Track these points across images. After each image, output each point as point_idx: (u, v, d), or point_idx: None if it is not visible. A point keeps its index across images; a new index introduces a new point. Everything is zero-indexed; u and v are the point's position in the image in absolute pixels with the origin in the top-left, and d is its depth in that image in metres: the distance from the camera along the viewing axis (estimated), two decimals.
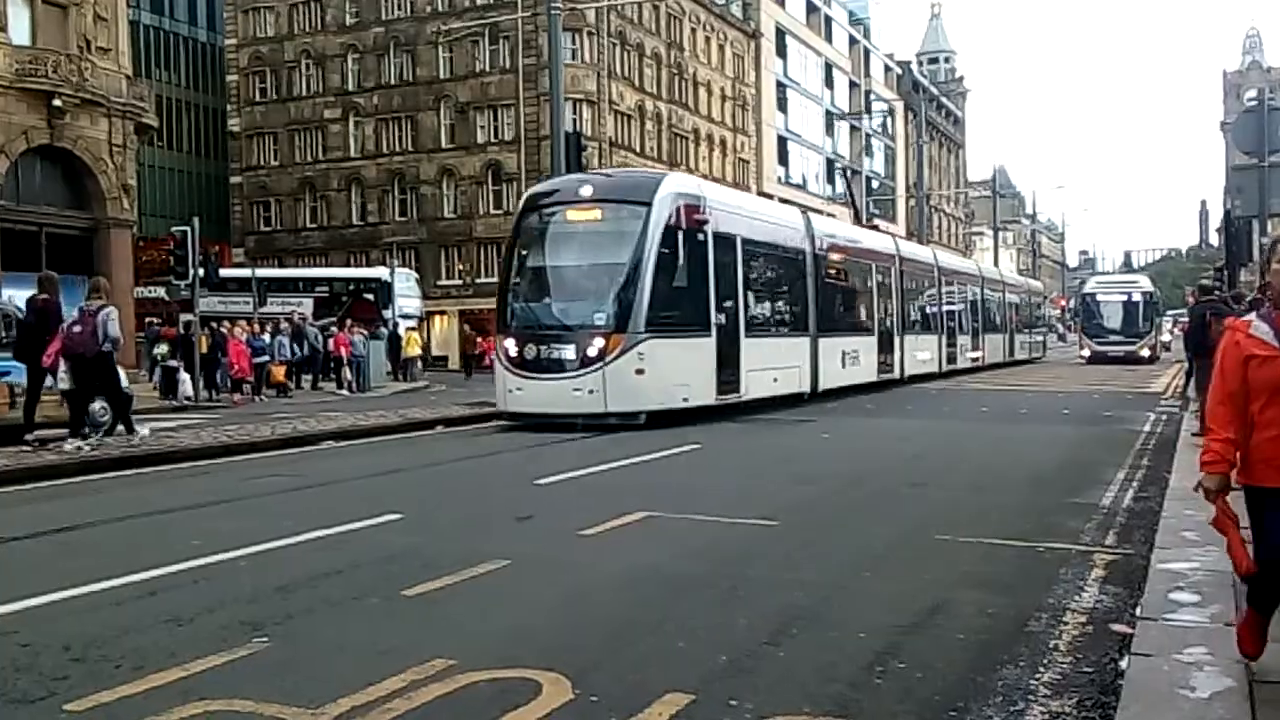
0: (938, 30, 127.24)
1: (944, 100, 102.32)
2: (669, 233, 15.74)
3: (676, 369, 15.82)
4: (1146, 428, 15.59)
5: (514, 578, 6.32)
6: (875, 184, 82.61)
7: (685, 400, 15.93)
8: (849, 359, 22.74)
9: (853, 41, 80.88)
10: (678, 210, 16.08)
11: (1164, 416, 17.16)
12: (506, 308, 16.61)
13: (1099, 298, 42.62)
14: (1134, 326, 40.52)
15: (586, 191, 16.57)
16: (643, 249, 15.51)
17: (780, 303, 20.45)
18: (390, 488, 10.13)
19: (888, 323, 25.95)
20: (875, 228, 30.33)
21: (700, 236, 16.42)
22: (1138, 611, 5.09)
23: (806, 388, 20.44)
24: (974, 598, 5.82)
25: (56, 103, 28.25)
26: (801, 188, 68.85)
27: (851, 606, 5.70)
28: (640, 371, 15.16)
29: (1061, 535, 7.55)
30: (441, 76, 51.95)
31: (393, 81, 53.20)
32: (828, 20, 76.16)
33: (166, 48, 59.13)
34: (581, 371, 15.17)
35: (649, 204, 15.82)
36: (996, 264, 60.95)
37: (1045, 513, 8.53)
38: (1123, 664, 4.43)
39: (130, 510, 8.96)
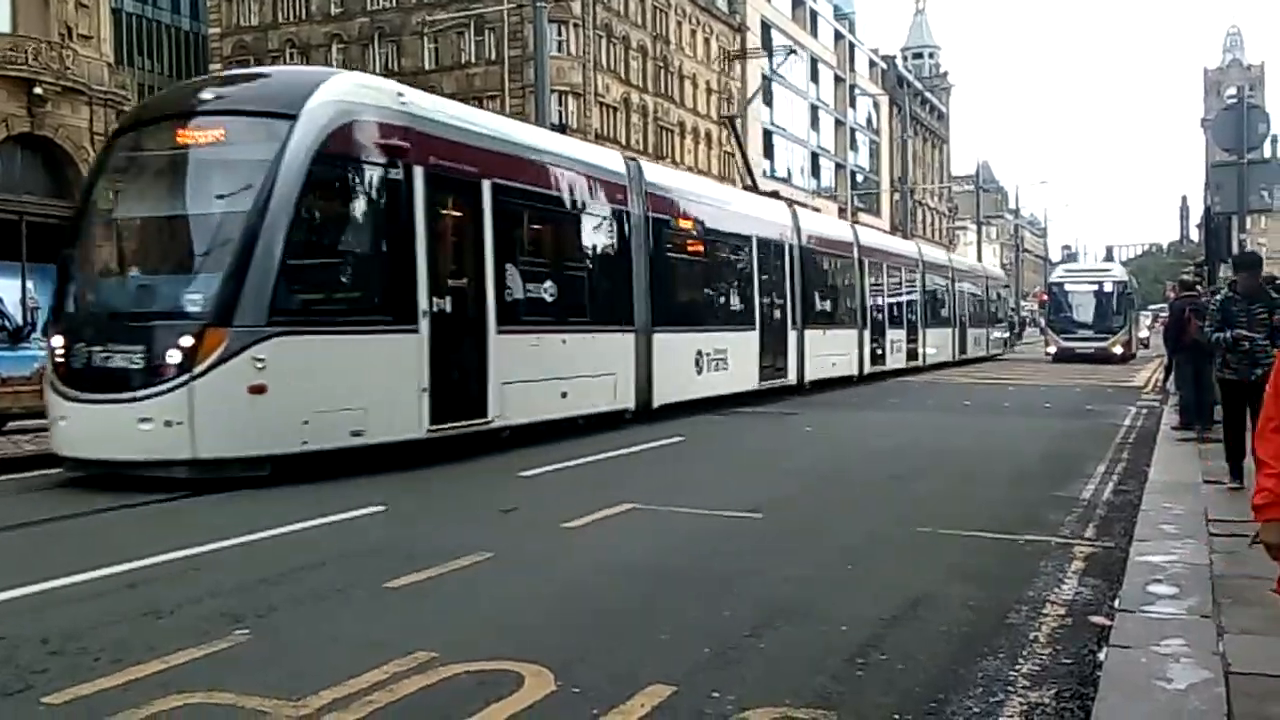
0: (922, 26, 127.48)
1: (928, 95, 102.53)
2: (327, 164, 10.11)
3: (337, 385, 9.95)
4: (1127, 421, 15.68)
5: (497, 570, 6.31)
6: (860, 178, 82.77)
7: (358, 435, 10.01)
8: (710, 361, 17.05)
9: (838, 36, 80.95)
10: (348, 129, 10.27)
11: (1144, 410, 17.27)
12: (64, 289, 10.57)
13: (1067, 288, 38.17)
14: (1106, 320, 36.40)
15: (206, 98, 11.10)
16: (272, 189, 9.56)
17: (575, 283, 13.99)
18: None
19: (777, 314, 20.10)
20: (776, 195, 23.48)
21: (395, 173, 10.59)
22: (1116, 604, 5.13)
23: (630, 403, 14.77)
24: (955, 590, 5.85)
25: (37, 90, 27.96)
26: (786, 181, 68.87)
27: (834, 599, 5.71)
28: (259, 389, 9.29)
29: (1042, 528, 7.60)
30: (427, 68, 51.69)
31: (377, 72, 52.84)
32: (813, 15, 76.19)
33: (149, 36, 58.60)
34: (152, 390, 9.17)
35: (294, 117, 9.92)
36: (980, 258, 60.89)
37: (1026, 505, 8.58)
38: (1101, 655, 4.47)
39: None
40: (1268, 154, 15.29)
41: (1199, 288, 16.31)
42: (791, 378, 20.41)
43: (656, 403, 15.27)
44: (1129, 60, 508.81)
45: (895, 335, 27.29)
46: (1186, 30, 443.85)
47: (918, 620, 5.30)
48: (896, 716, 3.95)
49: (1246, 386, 8.26)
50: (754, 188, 23.98)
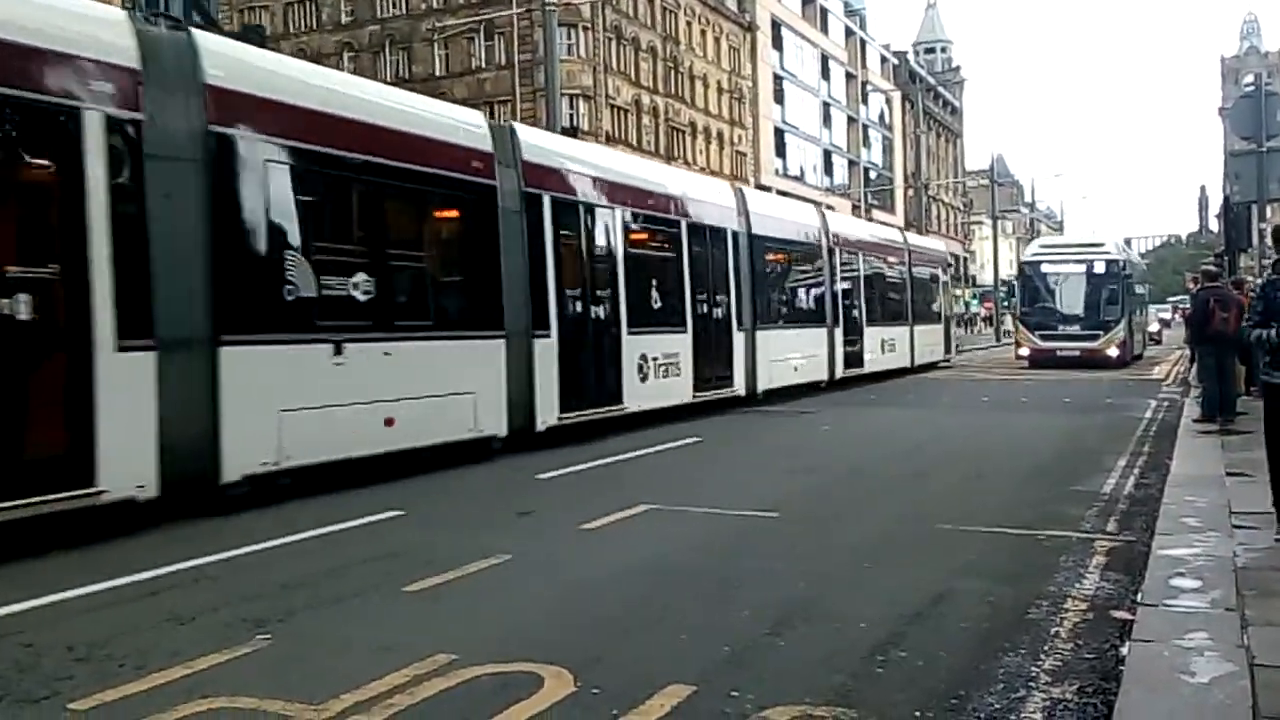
0: (934, 20, 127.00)
1: (941, 90, 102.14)
2: None
3: None
4: (1148, 414, 15.58)
5: (515, 572, 6.32)
6: (873, 174, 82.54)
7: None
8: (380, 411, 10.01)
9: (849, 33, 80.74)
10: None
11: (1165, 403, 17.15)
12: None
13: (1044, 269, 28.71)
14: (1095, 312, 27.45)
15: None
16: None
17: (413, 279, 11.05)
18: None
19: (719, 313, 16.56)
20: (577, 132, 20.73)
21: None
22: (1138, 598, 5.10)
23: (499, 428, 11.48)
24: (975, 586, 5.83)
25: None
26: (799, 179, 68.80)
27: (852, 597, 5.70)
28: None
29: (1063, 523, 7.56)
30: (437, 74, 51.83)
31: (389, 79, 53.03)
32: (823, 11, 76.03)
33: None
34: None
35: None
36: (995, 255, 60.43)
37: (1046, 501, 8.53)
38: (1123, 650, 4.44)
39: None
40: None
41: (1221, 278, 16.18)
42: (739, 387, 17.04)
43: (542, 424, 12.25)
44: (1144, 49, 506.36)
45: (877, 333, 23.75)
46: (1203, 18, 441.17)
47: (938, 617, 5.28)
48: (917, 714, 3.94)
49: None
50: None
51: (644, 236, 15.05)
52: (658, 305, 14.91)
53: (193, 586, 6.11)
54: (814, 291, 20.95)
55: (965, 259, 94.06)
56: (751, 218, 18.04)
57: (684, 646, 4.80)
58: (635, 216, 14.69)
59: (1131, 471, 10.05)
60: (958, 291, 70.19)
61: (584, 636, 5.02)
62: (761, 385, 17.81)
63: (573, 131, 20.47)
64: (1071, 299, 27.99)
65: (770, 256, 18.98)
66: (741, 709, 3.98)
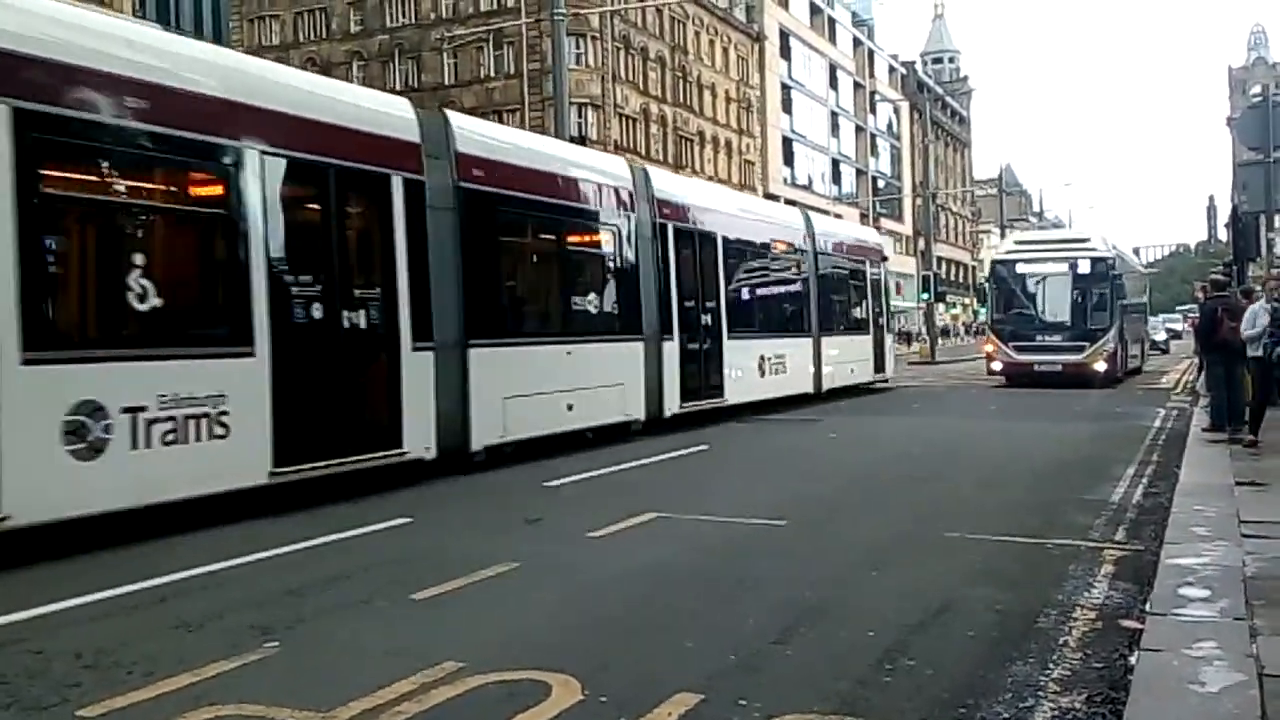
0: (941, 30, 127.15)
1: (949, 100, 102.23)
2: None
3: None
4: (1157, 423, 15.54)
5: (523, 580, 6.33)
6: (881, 184, 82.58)
7: None
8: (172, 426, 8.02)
9: (857, 43, 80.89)
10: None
11: (1174, 412, 17.11)
12: None
13: (1019, 270, 24.61)
14: (1080, 320, 23.69)
15: None
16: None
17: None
18: None
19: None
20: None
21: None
22: (1147, 607, 5.08)
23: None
24: (983, 595, 5.82)
25: None
26: (808, 188, 68.83)
27: (860, 604, 5.69)
28: None
29: (1071, 531, 7.54)
30: (446, 83, 52.06)
31: (398, 88, 53.30)
32: (831, 22, 76.20)
33: None
34: None
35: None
36: None
37: (1055, 509, 8.51)
38: (1132, 659, 4.43)
39: None
40: None
41: (1230, 287, 16.14)
42: (410, 446, 10.03)
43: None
44: (1152, 60, 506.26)
45: (750, 348, 17.53)
46: (1210, 28, 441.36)
47: (945, 625, 5.27)
48: None
49: None
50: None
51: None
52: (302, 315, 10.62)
53: (201, 593, 6.13)
54: (614, 292, 14.14)
55: (974, 268, 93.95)
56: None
57: (691, 654, 4.80)
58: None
59: (1140, 480, 10.02)
60: (959, 301, 69.78)
61: (591, 644, 5.02)
62: (509, 435, 11.58)
63: (581, 141, 21.99)
64: (1051, 304, 24.21)
65: (519, 241, 12.93)
66: (749, 717, 3.98)
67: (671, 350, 14.93)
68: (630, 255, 14.32)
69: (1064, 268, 24.19)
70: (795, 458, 13.00)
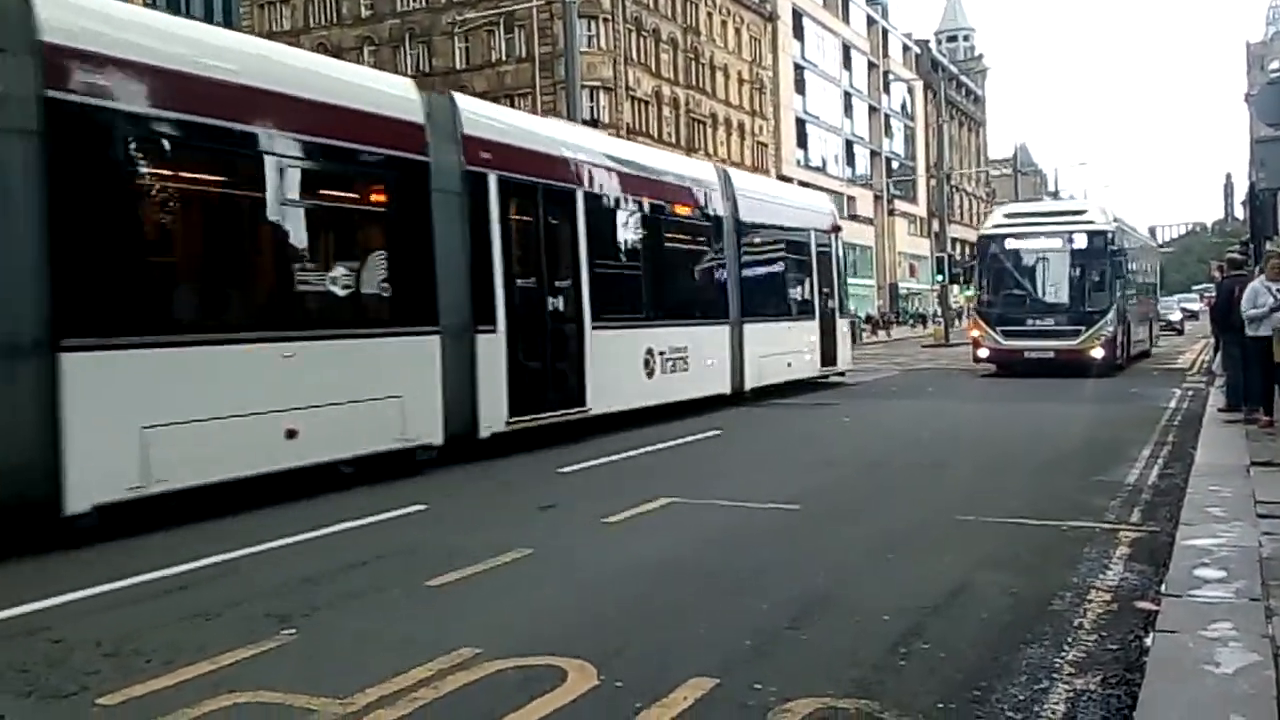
0: (956, 8, 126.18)
1: (963, 79, 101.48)
2: None
3: None
4: (1172, 404, 15.47)
5: (537, 566, 6.35)
6: (895, 164, 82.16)
7: None
8: None
9: (870, 21, 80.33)
10: None
11: (1190, 392, 17.02)
12: None
13: (1009, 245, 22.17)
14: (1076, 301, 21.37)
15: None
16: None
17: None
18: None
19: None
20: None
21: None
22: (1163, 588, 5.07)
23: None
24: (997, 578, 5.81)
25: None
26: (821, 170, 68.53)
27: (874, 589, 5.70)
28: None
29: (1086, 513, 7.52)
30: (458, 67, 51.95)
31: (409, 73, 53.25)
32: (844, 0, 75.67)
33: None
34: None
35: None
36: None
37: (1069, 491, 8.49)
38: (1148, 641, 4.42)
39: None
40: None
41: (1247, 266, 16.02)
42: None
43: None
44: (1168, 35, 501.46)
45: (633, 341, 13.93)
46: (1228, 3, 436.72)
47: (960, 608, 5.27)
48: (940, 705, 3.94)
49: None
50: None
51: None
52: None
53: (218, 582, 6.17)
54: (388, 261, 10.17)
55: None
56: None
57: (706, 639, 4.81)
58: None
59: (1156, 461, 9.99)
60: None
61: (606, 629, 5.04)
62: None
63: (593, 124, 20.78)
64: (1043, 284, 21.96)
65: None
66: (764, 701, 3.99)
67: (492, 346, 11.03)
68: (415, 216, 10.29)
69: (1058, 243, 21.84)
70: (809, 443, 12.99)
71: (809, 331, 19.42)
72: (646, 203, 14.54)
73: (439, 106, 11.08)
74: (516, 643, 4.73)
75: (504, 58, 50.99)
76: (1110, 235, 21.70)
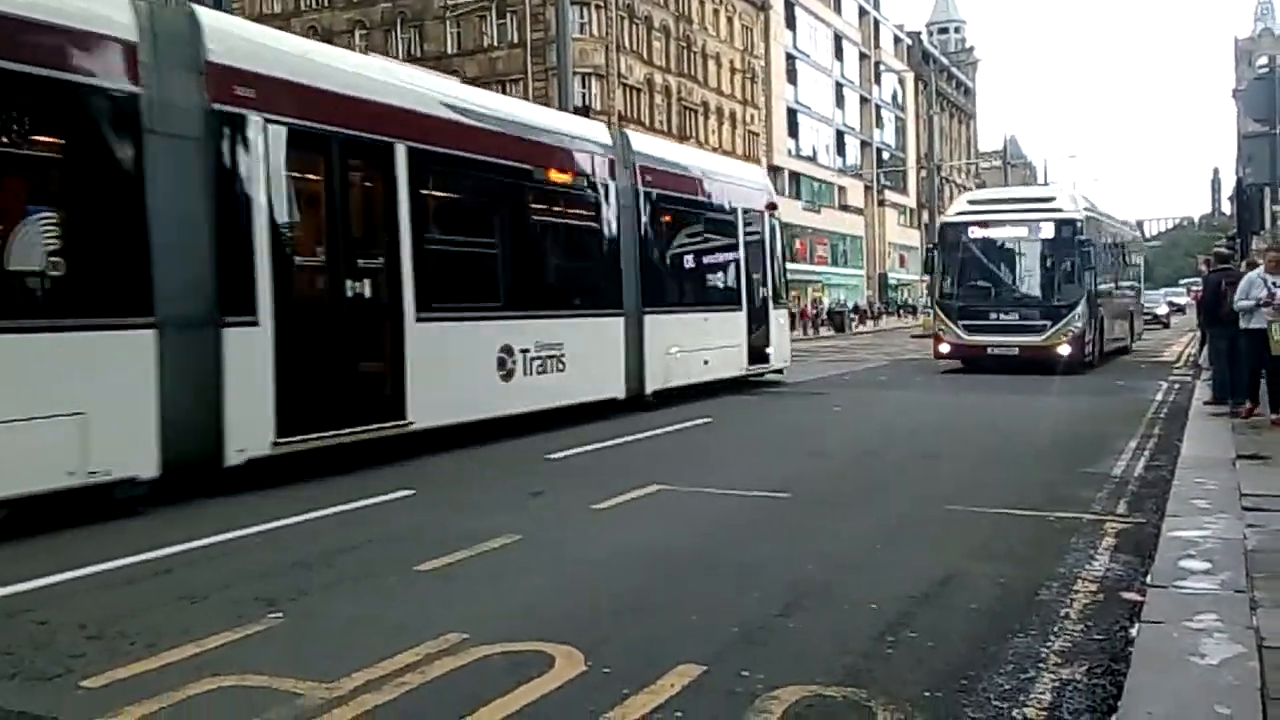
0: (947, 0, 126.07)
1: (954, 71, 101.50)
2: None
3: None
4: (1159, 397, 15.54)
5: (526, 552, 6.34)
6: (886, 155, 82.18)
7: None
8: None
9: (862, 12, 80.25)
10: None
11: (1176, 385, 17.09)
12: None
13: (972, 234, 20.81)
14: (1046, 294, 20.27)
15: None
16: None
17: None
18: None
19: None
20: None
21: None
22: (1148, 579, 5.09)
23: None
24: (985, 568, 5.83)
25: None
26: (812, 160, 68.52)
27: (863, 578, 5.70)
28: None
29: (1073, 504, 7.55)
30: (449, 52, 51.70)
31: (400, 57, 52.92)
32: None
33: None
34: None
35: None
36: None
37: (1057, 482, 8.52)
38: (1133, 631, 4.44)
39: None
40: None
41: (1233, 260, 16.08)
42: None
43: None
44: (1158, 30, 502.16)
45: (485, 335, 11.57)
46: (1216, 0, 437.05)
47: (948, 598, 5.28)
48: (927, 694, 3.95)
49: None
50: None
51: None
52: None
53: (205, 565, 6.15)
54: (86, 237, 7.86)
55: None
56: None
57: (695, 626, 4.81)
58: None
59: (1142, 453, 10.02)
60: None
61: (595, 616, 5.04)
62: None
63: (585, 111, 19.82)
64: (1008, 276, 20.79)
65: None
66: (752, 689, 3.99)
67: (248, 343, 8.56)
68: (111, 167, 7.75)
69: (1024, 232, 20.53)
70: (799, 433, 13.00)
71: (734, 324, 16.72)
72: (507, 166, 11.87)
73: (167, 21, 8.41)
74: (504, 628, 4.72)
75: (496, 43, 50.78)
76: (1079, 224, 20.31)
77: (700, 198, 16.15)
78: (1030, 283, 20.59)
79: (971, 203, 23.07)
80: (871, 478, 9.26)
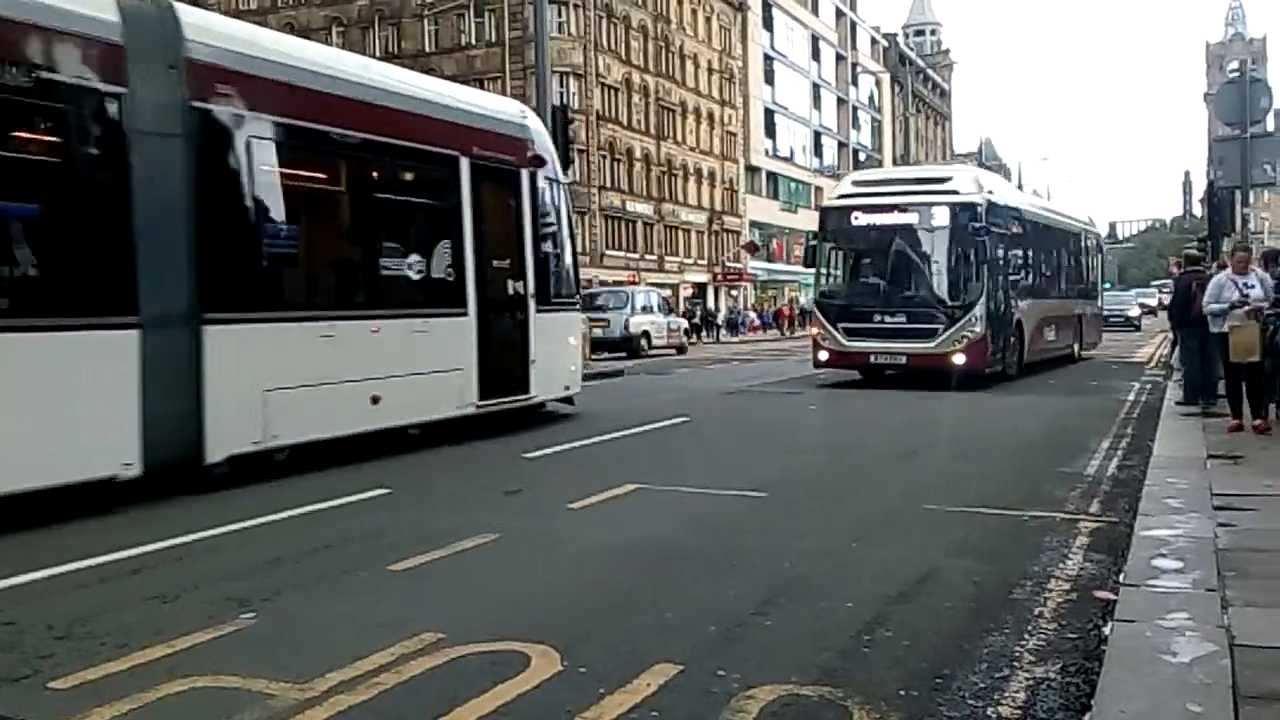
0: (924, 3, 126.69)
1: (930, 73, 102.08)
2: None
3: None
4: (1131, 397, 15.66)
5: (503, 551, 6.32)
6: (862, 156, 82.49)
7: None
8: None
9: (839, 14, 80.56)
10: None
11: (1148, 386, 17.23)
12: None
13: (856, 220, 17.58)
14: (940, 293, 16.99)
15: None
16: None
17: None
18: None
19: None
20: None
21: None
22: (1121, 578, 5.12)
23: None
24: (961, 566, 5.85)
25: None
26: (789, 160, 68.69)
27: (840, 576, 5.71)
28: None
29: (1047, 503, 7.59)
30: (427, 50, 51.52)
31: (378, 55, 52.67)
32: None
33: None
34: None
35: None
36: None
37: (1031, 481, 8.56)
38: (1106, 630, 4.46)
39: None
40: (1270, 128, 15.20)
41: (1204, 262, 16.23)
42: None
43: None
44: (1130, 35, 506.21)
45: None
46: (1188, 4, 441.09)
47: (924, 596, 5.29)
48: (903, 693, 3.95)
49: None
50: None
51: None
52: None
53: (176, 565, 6.09)
54: None
55: None
56: None
57: (671, 625, 4.81)
58: None
59: (1115, 453, 10.09)
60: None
61: (571, 615, 5.02)
62: None
63: (563, 110, 17.83)
64: (893, 271, 17.28)
65: None
66: (728, 688, 3.98)
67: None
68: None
69: (913, 218, 16.96)
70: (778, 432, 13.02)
71: (451, 335, 10.97)
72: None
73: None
74: (480, 628, 4.69)
75: (474, 41, 50.65)
76: (979, 209, 16.62)
77: (352, 132, 9.88)
78: (920, 279, 17.18)
79: (856, 184, 19.36)
80: (848, 476, 9.28)
